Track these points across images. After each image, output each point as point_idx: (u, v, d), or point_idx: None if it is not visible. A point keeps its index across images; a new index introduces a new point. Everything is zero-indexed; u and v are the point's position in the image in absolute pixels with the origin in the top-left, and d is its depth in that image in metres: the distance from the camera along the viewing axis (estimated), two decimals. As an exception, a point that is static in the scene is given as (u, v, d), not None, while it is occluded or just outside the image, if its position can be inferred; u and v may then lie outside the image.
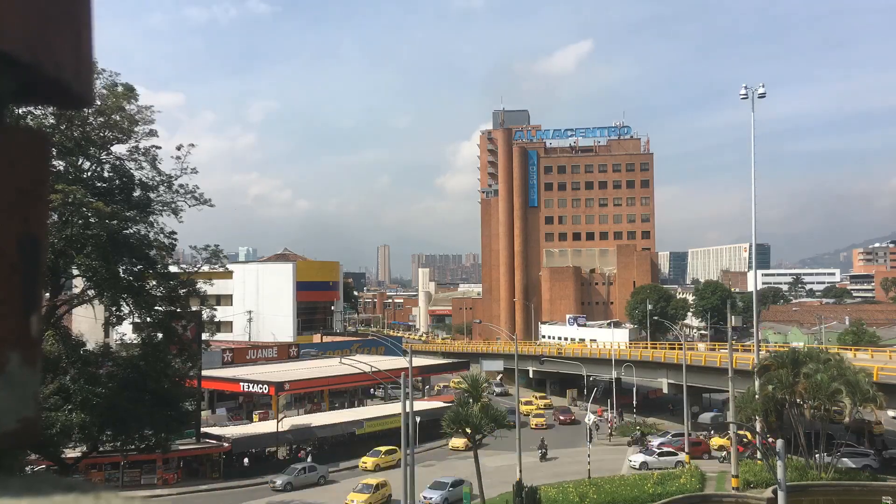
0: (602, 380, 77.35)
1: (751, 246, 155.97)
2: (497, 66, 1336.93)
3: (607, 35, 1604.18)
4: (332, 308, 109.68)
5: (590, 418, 56.81)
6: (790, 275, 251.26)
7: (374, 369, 51.38)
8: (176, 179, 34.68)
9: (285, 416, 57.74)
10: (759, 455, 47.68)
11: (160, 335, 35.08)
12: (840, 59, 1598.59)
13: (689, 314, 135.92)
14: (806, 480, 44.99)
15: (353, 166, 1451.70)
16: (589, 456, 50.09)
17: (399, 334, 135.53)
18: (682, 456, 52.47)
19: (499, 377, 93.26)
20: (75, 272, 33.87)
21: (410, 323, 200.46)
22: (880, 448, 53.93)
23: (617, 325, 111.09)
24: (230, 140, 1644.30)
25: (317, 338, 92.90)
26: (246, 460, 53.28)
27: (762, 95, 54.51)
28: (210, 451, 52.45)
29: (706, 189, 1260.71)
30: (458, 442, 55.46)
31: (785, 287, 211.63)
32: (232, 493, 47.87)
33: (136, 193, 34.28)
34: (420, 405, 59.42)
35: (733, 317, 66.58)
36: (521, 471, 46.68)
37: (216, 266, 39.57)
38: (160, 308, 34.86)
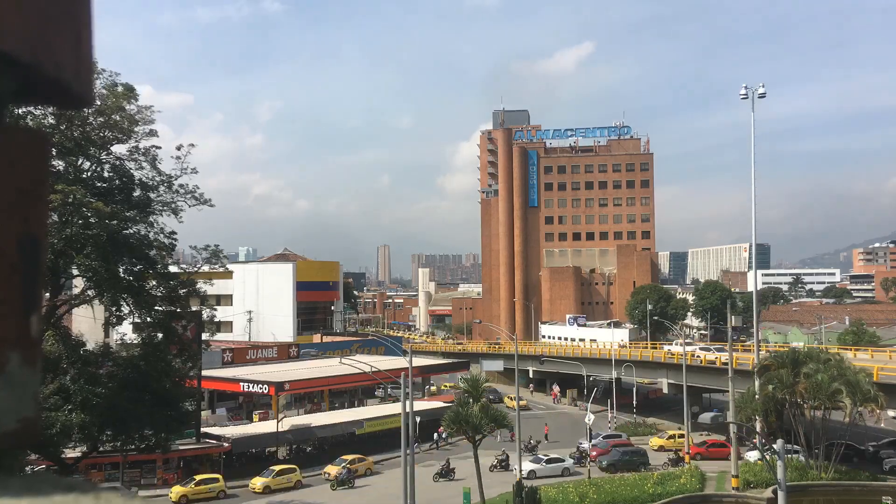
0: (602, 380, 77.37)
1: (751, 246, 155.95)
2: (497, 66, 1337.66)
3: (607, 35, 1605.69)
4: (332, 308, 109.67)
5: (590, 418, 56.82)
6: (790, 275, 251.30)
7: (374, 369, 51.39)
8: (176, 179, 34.70)
9: (285, 416, 57.74)
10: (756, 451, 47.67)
11: (160, 335, 35.09)
12: (840, 58, 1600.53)
13: (689, 314, 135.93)
14: (806, 480, 45.00)
15: (354, 166, 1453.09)
16: (588, 456, 50.18)
17: (399, 334, 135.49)
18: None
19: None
20: (75, 272, 33.87)
21: (410, 323, 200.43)
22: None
23: (617, 325, 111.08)
24: (228, 140, 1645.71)
25: (317, 338, 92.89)
26: None
27: (762, 95, 54.55)
28: (210, 451, 52.45)
29: (706, 189, 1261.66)
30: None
31: (785, 287, 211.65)
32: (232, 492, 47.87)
33: (136, 193, 34.28)
34: (420, 405, 59.43)
35: (733, 317, 66.52)
36: (521, 471, 46.71)
37: (216, 266, 39.57)
38: (160, 308, 34.88)
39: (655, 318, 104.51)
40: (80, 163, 33.29)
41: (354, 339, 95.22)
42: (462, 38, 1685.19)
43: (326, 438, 58.29)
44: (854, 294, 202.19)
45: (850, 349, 66.38)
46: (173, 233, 35.00)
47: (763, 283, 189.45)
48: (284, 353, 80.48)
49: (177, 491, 45.39)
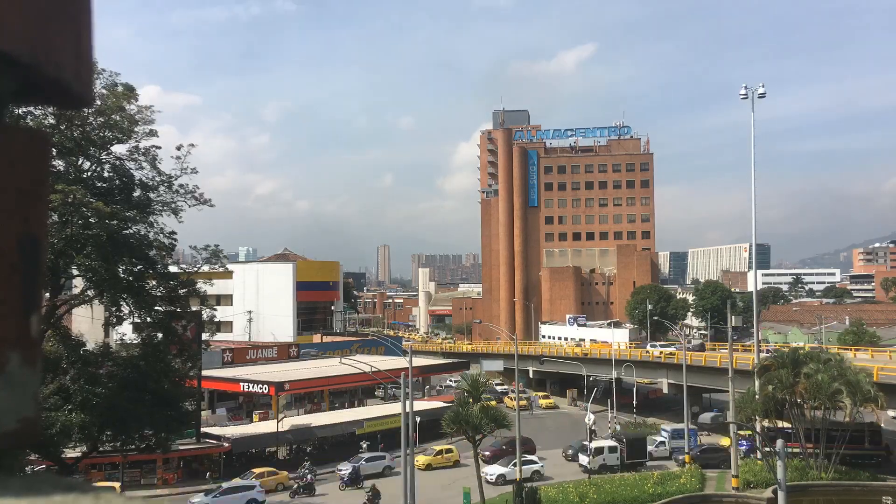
0: (602, 380, 77.38)
1: (751, 246, 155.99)
2: (497, 66, 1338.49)
3: (608, 35, 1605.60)
4: (332, 308, 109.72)
5: (590, 418, 56.81)
6: (790, 275, 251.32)
7: (374, 369, 51.39)
8: (176, 179, 34.69)
9: (285, 416, 57.75)
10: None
11: (160, 335, 35.09)
12: (840, 59, 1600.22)
13: (689, 314, 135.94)
14: (806, 480, 45.00)
15: (354, 166, 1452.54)
16: (589, 455, 50.09)
17: (399, 334, 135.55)
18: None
19: (500, 379, 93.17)
20: (75, 272, 33.87)
21: (410, 323, 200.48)
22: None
23: (617, 325, 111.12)
24: (228, 140, 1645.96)
25: (317, 338, 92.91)
26: None
27: (762, 95, 54.56)
28: (210, 451, 52.46)
29: (706, 189, 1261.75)
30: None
31: (785, 287, 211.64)
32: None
33: (136, 193, 34.28)
34: (420, 405, 59.41)
35: (733, 317, 66.53)
36: (521, 471, 46.73)
37: (216, 266, 39.53)
38: (160, 308, 34.87)
39: (655, 318, 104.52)
40: (80, 163, 33.29)
41: (354, 339, 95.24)
42: (462, 38, 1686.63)
43: (326, 438, 58.29)
44: (854, 294, 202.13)
45: (850, 349, 66.43)
46: (173, 233, 35.00)
47: (763, 283, 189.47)
48: (284, 353, 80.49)
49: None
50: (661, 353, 73.39)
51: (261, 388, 62.13)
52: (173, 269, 37.37)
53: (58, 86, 0.94)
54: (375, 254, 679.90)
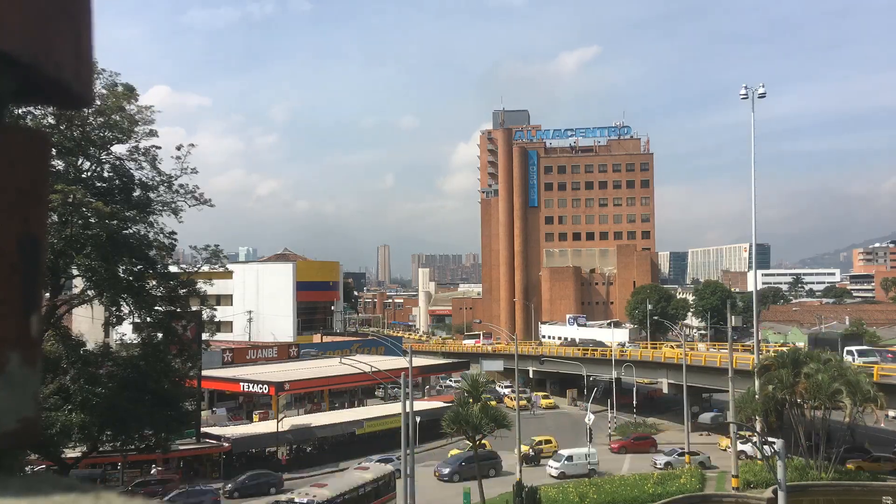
0: (602, 380, 77.38)
1: (751, 246, 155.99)
2: (497, 66, 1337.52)
3: (608, 35, 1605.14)
4: (332, 308, 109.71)
5: (590, 418, 56.84)
6: (790, 275, 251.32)
7: (374, 369, 51.38)
8: (176, 179, 34.68)
9: (285, 416, 57.74)
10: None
11: (160, 335, 35.06)
12: (840, 59, 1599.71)
13: (689, 314, 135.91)
14: (806, 480, 45.00)
15: (354, 166, 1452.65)
16: (589, 456, 50.14)
17: (399, 334, 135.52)
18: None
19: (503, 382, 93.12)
20: (75, 272, 33.85)
21: (410, 323, 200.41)
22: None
23: (617, 325, 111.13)
24: (228, 140, 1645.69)
25: (317, 338, 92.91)
26: None
27: (762, 95, 54.57)
28: (210, 451, 52.46)
29: (706, 189, 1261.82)
30: None
31: (785, 287, 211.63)
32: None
33: (136, 193, 34.25)
34: (420, 405, 59.42)
35: (733, 317, 66.45)
36: (521, 470, 46.72)
37: (216, 266, 39.51)
38: (160, 308, 34.84)
39: (655, 318, 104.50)
40: (80, 163, 33.27)
41: (354, 339, 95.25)
42: (462, 38, 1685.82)
43: (326, 438, 58.30)
44: (854, 294, 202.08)
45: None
46: (173, 233, 34.97)
47: (763, 283, 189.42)
48: (284, 353, 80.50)
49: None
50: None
51: (261, 388, 62.13)
52: (173, 269, 37.34)
53: (58, 86, 0.94)
54: (375, 254, 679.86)
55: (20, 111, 27.12)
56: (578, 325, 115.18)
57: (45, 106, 0.92)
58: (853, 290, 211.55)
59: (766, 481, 43.48)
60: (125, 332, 38.43)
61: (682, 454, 53.12)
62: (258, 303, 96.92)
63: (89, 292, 34.13)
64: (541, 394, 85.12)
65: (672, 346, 79.71)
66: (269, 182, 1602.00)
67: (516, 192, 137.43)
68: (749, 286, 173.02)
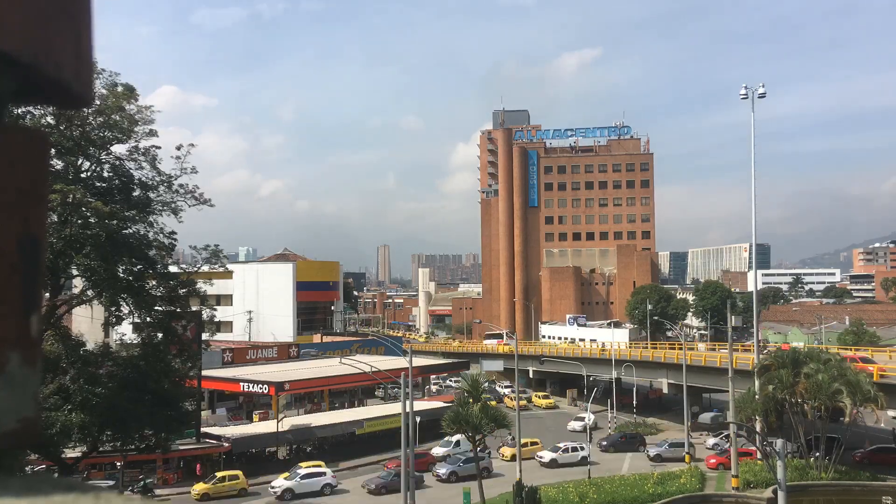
0: (602, 380, 77.38)
1: (751, 246, 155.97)
2: (498, 66, 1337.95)
3: (609, 35, 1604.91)
4: (332, 308, 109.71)
5: (590, 418, 56.89)
6: (790, 275, 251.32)
7: (374, 369, 51.38)
8: (176, 179, 34.68)
9: (285, 416, 57.74)
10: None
11: (160, 335, 35.06)
12: (840, 59, 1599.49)
13: (689, 314, 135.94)
14: (806, 480, 45.00)
15: (354, 166, 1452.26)
16: (589, 456, 50.15)
17: (399, 334, 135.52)
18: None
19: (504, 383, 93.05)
20: (75, 272, 33.86)
21: (410, 323, 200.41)
22: None
23: (617, 325, 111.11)
24: (227, 140, 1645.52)
25: (317, 338, 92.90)
26: None
27: (762, 95, 54.57)
28: (210, 451, 52.45)
29: (706, 189, 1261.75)
30: None
31: (785, 287, 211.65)
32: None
33: (136, 193, 34.26)
34: (420, 405, 59.42)
35: (733, 317, 66.45)
36: (521, 470, 46.71)
37: (216, 266, 39.51)
38: (160, 308, 34.84)
39: (655, 318, 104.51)
40: (79, 162, 33.27)
41: (354, 339, 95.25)
42: (464, 37, 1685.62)
43: (326, 438, 58.30)
44: (854, 294, 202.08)
45: (850, 349, 66.40)
46: (173, 233, 34.97)
47: (763, 283, 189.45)
48: (284, 353, 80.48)
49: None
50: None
51: (261, 388, 62.12)
52: (173, 269, 37.35)
53: (58, 86, 0.94)
54: (375, 254, 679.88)
55: (20, 111, 27.13)
56: (578, 325, 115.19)
57: (45, 106, 0.93)
58: (853, 290, 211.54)
59: (766, 481, 43.49)
60: (125, 332, 38.44)
61: (672, 445, 54.99)
62: (258, 303, 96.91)
63: (89, 292, 34.13)
64: (540, 394, 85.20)
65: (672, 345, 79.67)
66: (271, 182, 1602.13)
67: (516, 192, 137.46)
68: (749, 286, 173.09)
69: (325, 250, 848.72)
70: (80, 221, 30.48)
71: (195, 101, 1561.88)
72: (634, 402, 72.16)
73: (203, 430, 53.62)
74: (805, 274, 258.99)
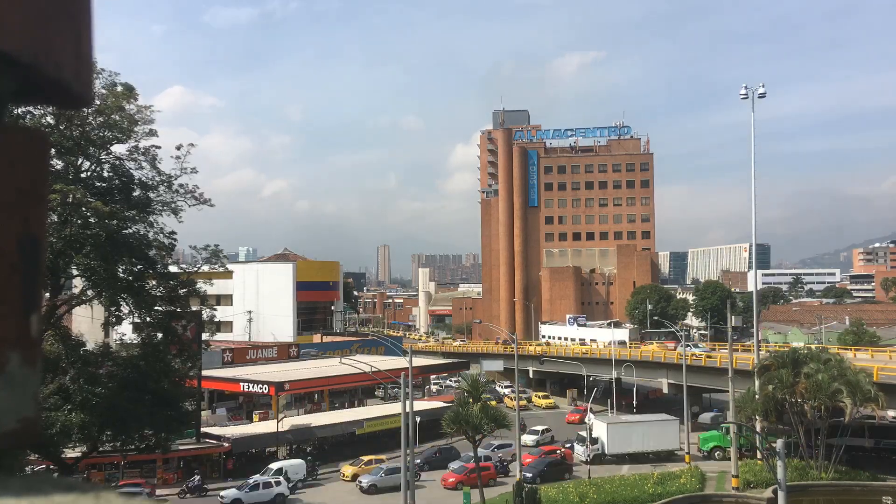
0: (602, 380, 77.38)
1: (751, 246, 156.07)
2: (498, 66, 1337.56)
3: (609, 35, 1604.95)
4: (332, 308, 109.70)
5: (590, 418, 56.86)
6: (790, 275, 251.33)
7: (374, 369, 51.38)
8: (176, 179, 34.67)
9: (285, 416, 57.74)
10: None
11: (160, 335, 35.05)
12: (840, 59, 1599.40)
13: (690, 314, 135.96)
14: (806, 480, 44.99)
15: (355, 166, 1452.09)
16: (589, 457, 50.11)
17: (399, 334, 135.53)
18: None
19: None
20: (75, 272, 33.85)
21: (410, 323, 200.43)
22: None
23: (617, 325, 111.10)
24: (228, 140, 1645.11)
25: (317, 338, 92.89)
26: None
27: (762, 95, 54.56)
28: (210, 451, 52.46)
29: (708, 189, 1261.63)
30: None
31: (785, 287, 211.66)
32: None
33: (136, 193, 34.25)
34: (420, 405, 59.42)
35: (733, 317, 66.50)
36: (521, 470, 46.72)
37: (216, 266, 39.50)
38: (160, 308, 34.82)
39: (655, 318, 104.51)
40: (79, 162, 33.26)
41: (354, 339, 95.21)
42: (464, 37, 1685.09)
43: (326, 438, 58.31)
44: (854, 294, 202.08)
45: (851, 349, 66.40)
46: (173, 233, 34.96)
47: (763, 283, 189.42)
48: (284, 353, 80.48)
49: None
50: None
51: (261, 388, 62.12)
52: (173, 269, 37.34)
53: (58, 86, 0.94)
54: (375, 254, 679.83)
55: (20, 111, 27.12)
56: (578, 325, 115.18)
57: (45, 106, 0.93)
58: (853, 290, 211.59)
59: (766, 481, 43.47)
60: (125, 332, 38.44)
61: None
62: (258, 303, 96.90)
63: (89, 292, 34.12)
64: (540, 394, 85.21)
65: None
66: (273, 182, 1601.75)
67: (516, 192, 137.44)
68: (749, 286, 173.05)
69: (325, 250, 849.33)
70: (80, 221, 30.47)
71: (202, 102, 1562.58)
72: (634, 402, 72.15)
73: (203, 430, 53.62)
74: (805, 274, 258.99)
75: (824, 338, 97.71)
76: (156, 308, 34.46)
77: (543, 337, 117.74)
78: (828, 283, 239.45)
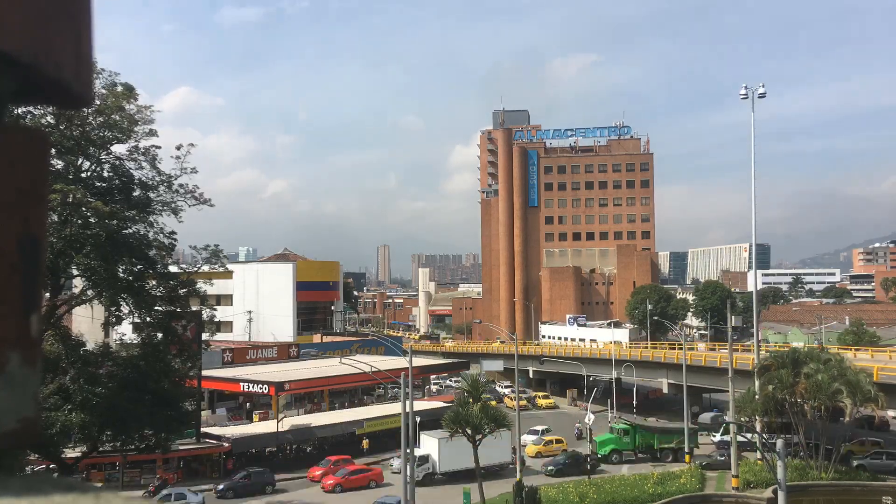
0: (602, 380, 77.39)
1: (751, 246, 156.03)
2: (498, 66, 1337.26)
3: (609, 35, 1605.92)
4: (332, 308, 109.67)
5: (590, 418, 56.84)
6: (790, 275, 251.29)
7: (374, 369, 51.38)
8: (176, 179, 34.70)
9: (285, 416, 57.74)
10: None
11: (160, 335, 35.08)
12: (840, 58, 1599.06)
13: (689, 314, 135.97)
14: (806, 480, 45.00)
15: (354, 166, 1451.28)
16: (589, 456, 50.11)
17: (399, 334, 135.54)
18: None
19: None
20: (75, 272, 33.87)
21: (410, 323, 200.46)
22: None
23: (617, 325, 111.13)
24: (228, 139, 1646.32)
25: (317, 338, 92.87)
26: None
27: (762, 95, 54.58)
28: (210, 451, 52.46)
29: (708, 189, 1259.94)
30: None
31: (785, 287, 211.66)
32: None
33: (136, 193, 34.29)
34: (420, 405, 59.42)
35: (733, 317, 66.51)
36: (520, 470, 46.73)
37: (216, 266, 39.55)
38: (160, 308, 34.86)
39: (655, 318, 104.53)
40: (79, 162, 33.30)
41: (354, 339, 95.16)
42: (463, 37, 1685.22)
43: (326, 438, 58.31)
44: (854, 294, 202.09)
45: (850, 349, 66.41)
46: (173, 233, 35.02)
47: (763, 283, 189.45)
48: (284, 353, 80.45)
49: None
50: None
51: (261, 388, 62.12)
52: (173, 269, 37.37)
53: (58, 86, 0.94)
54: (375, 254, 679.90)
55: (20, 111, 27.13)
56: (578, 325, 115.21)
57: (45, 106, 0.93)
58: (853, 290, 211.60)
59: (766, 481, 43.48)
60: (125, 332, 38.46)
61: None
62: (258, 303, 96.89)
63: (89, 292, 34.16)
64: (540, 394, 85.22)
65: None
66: (273, 182, 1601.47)
67: (516, 192, 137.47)
68: (749, 286, 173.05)
69: (325, 250, 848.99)
70: (80, 221, 30.50)
71: (207, 102, 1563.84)
72: (634, 402, 72.17)
73: (203, 430, 53.61)
74: (805, 274, 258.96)
75: (824, 338, 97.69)
76: (156, 308, 34.51)
77: (543, 337, 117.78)
78: (828, 283, 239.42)
